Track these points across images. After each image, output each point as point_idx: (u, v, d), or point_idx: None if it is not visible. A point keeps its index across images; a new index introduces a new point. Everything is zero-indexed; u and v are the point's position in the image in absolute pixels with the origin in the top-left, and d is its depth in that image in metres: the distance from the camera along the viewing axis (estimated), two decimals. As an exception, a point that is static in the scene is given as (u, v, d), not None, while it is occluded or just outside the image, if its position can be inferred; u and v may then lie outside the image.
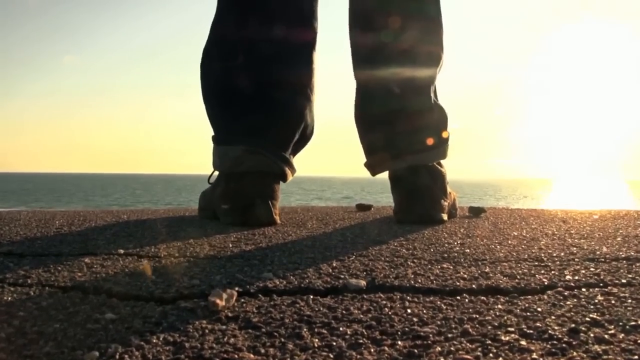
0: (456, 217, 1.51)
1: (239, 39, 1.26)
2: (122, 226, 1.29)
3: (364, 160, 1.40)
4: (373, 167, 1.37)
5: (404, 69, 1.23)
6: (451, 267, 0.75)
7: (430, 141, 1.29)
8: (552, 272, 0.72)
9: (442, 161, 1.37)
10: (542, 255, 0.86)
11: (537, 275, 0.69)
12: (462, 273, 0.71)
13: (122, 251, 0.90)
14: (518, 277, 0.68)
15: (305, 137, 1.37)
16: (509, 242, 1.02)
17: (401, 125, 1.28)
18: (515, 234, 1.16)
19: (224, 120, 1.31)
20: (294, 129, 1.31)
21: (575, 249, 0.93)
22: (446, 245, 0.96)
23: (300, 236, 1.09)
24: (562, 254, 0.87)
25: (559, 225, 1.35)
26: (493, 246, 0.95)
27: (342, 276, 0.68)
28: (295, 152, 1.36)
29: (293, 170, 1.35)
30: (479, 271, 0.72)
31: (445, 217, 1.34)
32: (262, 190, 1.24)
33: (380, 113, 1.30)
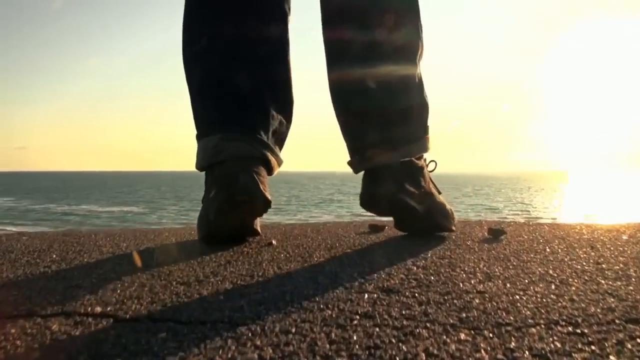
0: (452, 225, 1.47)
1: (203, 21, 1.20)
2: (115, 262, 1.21)
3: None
4: (354, 164, 1.33)
5: (386, 65, 1.19)
6: (470, 339, 0.64)
7: (413, 134, 1.27)
8: (592, 346, 0.61)
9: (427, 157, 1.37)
10: (576, 312, 0.75)
11: (573, 355, 0.58)
12: (482, 349, 0.60)
13: (99, 309, 0.81)
14: (549, 356, 0.57)
15: (284, 121, 1.31)
16: (536, 288, 0.90)
17: (382, 120, 1.24)
18: (542, 271, 1.05)
19: (200, 114, 1.26)
20: (268, 112, 1.25)
21: (612, 299, 0.81)
22: (464, 295, 0.86)
23: (302, 281, 0.99)
24: (599, 309, 0.76)
25: (587, 253, 1.24)
26: (518, 296, 0.84)
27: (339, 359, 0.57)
28: (278, 139, 1.29)
29: (278, 158, 1.27)
30: (503, 346, 0.61)
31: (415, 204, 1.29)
32: (246, 167, 1.14)
33: (359, 109, 1.25)
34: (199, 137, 1.25)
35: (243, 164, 1.13)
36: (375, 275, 1.01)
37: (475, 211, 38.76)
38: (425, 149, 1.32)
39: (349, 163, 1.34)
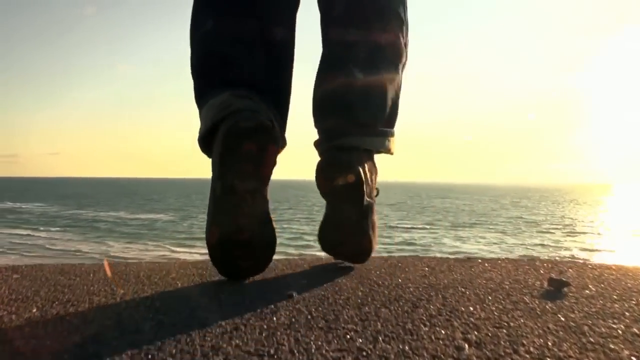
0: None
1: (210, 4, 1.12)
2: (100, 325, 1.01)
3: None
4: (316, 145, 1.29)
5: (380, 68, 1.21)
6: None
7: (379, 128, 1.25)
8: None
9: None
10: None
11: None
12: None
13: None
14: None
15: (287, 98, 1.21)
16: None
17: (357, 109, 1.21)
18: (628, 353, 0.82)
19: (202, 89, 1.14)
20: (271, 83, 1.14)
21: None
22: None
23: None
24: None
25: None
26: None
27: None
28: (281, 113, 1.18)
29: (284, 137, 1.18)
30: None
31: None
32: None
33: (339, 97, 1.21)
34: (201, 104, 1.11)
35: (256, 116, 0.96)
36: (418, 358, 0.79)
37: (514, 225, 37.98)
38: (387, 148, 1.30)
39: (316, 142, 1.30)
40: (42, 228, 35.89)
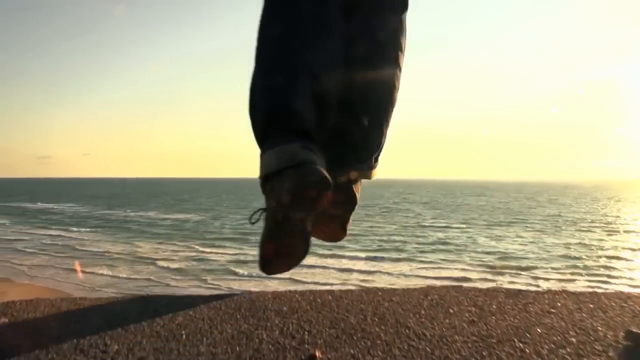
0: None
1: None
2: None
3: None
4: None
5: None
6: None
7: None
8: None
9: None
10: None
11: None
12: None
13: None
14: None
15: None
16: None
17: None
18: None
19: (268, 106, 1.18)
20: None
21: None
22: None
23: None
24: None
25: None
26: None
27: None
28: None
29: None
30: None
31: None
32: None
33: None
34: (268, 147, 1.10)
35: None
36: None
37: (552, 223, 36.94)
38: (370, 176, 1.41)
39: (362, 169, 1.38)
40: (73, 229, 36.29)
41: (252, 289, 18.35)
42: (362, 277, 19.15)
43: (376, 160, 1.39)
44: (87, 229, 36.73)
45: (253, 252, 25.68)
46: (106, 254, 26.22)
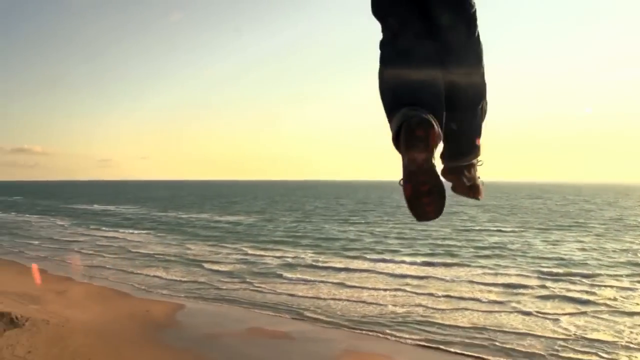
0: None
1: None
2: None
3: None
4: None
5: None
6: None
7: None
8: None
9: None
10: None
11: None
12: None
13: None
14: None
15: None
16: None
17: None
18: None
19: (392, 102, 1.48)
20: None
21: None
22: None
23: None
24: None
25: None
26: None
27: None
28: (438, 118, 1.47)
29: (439, 129, 1.41)
30: None
31: None
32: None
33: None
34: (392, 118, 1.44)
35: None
36: None
37: (613, 228, 34.93)
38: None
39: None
40: (129, 230, 37.66)
41: (298, 293, 18.28)
42: (414, 282, 18.60)
43: (476, 150, 1.73)
44: (143, 231, 37.80)
45: (302, 255, 25.14)
46: (159, 255, 26.50)
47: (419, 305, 15.29)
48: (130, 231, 36.74)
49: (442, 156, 1.71)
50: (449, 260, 22.46)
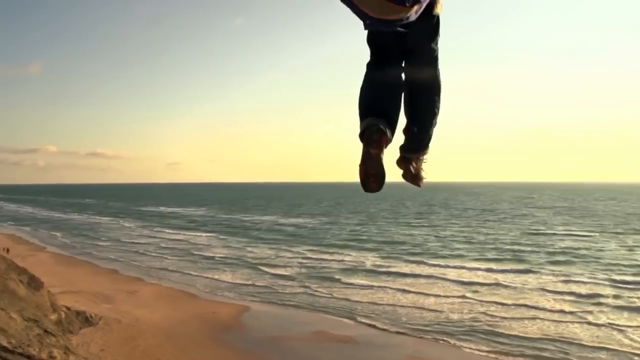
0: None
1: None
2: None
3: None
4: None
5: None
6: None
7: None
8: None
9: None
10: None
11: None
12: None
13: None
14: None
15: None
16: None
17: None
18: None
19: (362, 113, 2.04)
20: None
21: None
22: None
23: None
24: None
25: None
26: None
27: None
28: (392, 128, 2.00)
29: (391, 136, 1.95)
30: None
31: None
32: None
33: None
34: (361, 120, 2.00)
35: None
36: None
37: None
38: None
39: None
40: (194, 233, 38.44)
41: (362, 298, 18.16)
42: (481, 289, 18.18)
43: (425, 149, 2.21)
44: (208, 233, 38.65)
45: (366, 259, 25.01)
46: (224, 258, 27.06)
47: (486, 313, 14.91)
48: (196, 234, 37.55)
49: (401, 148, 2.23)
50: (517, 266, 21.72)
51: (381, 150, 1.90)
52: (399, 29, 1.77)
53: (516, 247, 26.85)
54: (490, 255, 24.55)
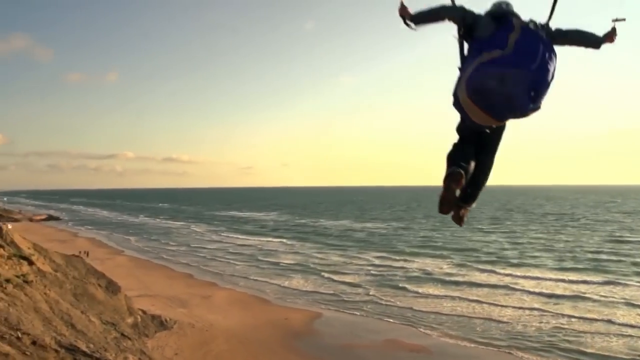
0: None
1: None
2: None
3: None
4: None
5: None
6: None
7: None
8: None
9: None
10: None
11: None
12: None
13: None
14: None
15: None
16: None
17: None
18: None
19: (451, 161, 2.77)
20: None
21: None
22: None
23: None
24: None
25: None
26: None
27: None
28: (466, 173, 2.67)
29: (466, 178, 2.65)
30: None
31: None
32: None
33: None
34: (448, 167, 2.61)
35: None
36: None
37: None
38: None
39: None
40: (263, 238, 38.70)
41: (423, 307, 17.59)
42: (561, 301, 17.21)
43: (472, 203, 2.77)
44: (279, 239, 38.91)
45: (436, 268, 24.27)
46: (295, 264, 27.13)
47: (567, 327, 14.18)
48: (267, 239, 37.87)
49: (457, 198, 2.75)
50: (600, 276, 20.52)
51: (458, 187, 2.56)
52: (487, 130, 2.57)
53: (599, 256, 25.34)
54: (570, 264, 23.28)
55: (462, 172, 2.45)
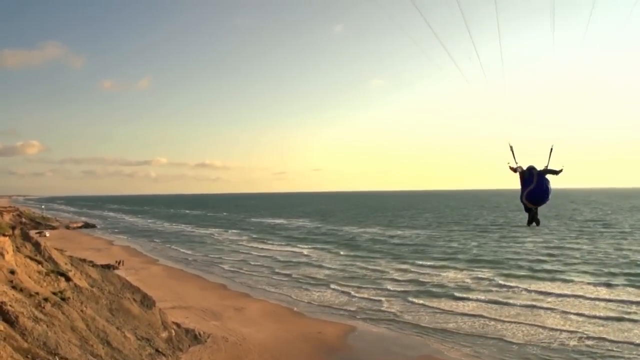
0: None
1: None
2: None
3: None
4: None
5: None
6: None
7: None
8: None
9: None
10: None
11: None
12: None
13: None
14: None
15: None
16: None
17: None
18: None
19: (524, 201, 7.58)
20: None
21: None
22: None
23: None
24: None
25: None
26: None
27: None
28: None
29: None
30: None
31: None
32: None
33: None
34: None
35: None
36: None
37: None
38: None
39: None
40: (295, 247, 38.61)
41: (446, 323, 17.06)
42: (610, 324, 16.11)
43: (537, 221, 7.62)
44: (310, 246, 39.28)
45: (470, 279, 23.97)
46: (327, 274, 27.02)
47: (610, 354, 13.64)
48: (299, 247, 37.47)
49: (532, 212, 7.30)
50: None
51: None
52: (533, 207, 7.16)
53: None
54: (613, 281, 22.21)
55: (530, 221, 7.07)
